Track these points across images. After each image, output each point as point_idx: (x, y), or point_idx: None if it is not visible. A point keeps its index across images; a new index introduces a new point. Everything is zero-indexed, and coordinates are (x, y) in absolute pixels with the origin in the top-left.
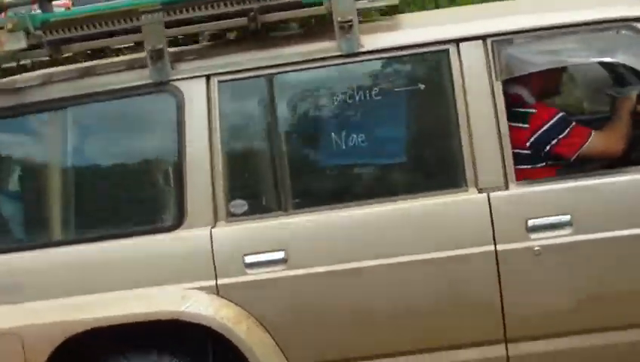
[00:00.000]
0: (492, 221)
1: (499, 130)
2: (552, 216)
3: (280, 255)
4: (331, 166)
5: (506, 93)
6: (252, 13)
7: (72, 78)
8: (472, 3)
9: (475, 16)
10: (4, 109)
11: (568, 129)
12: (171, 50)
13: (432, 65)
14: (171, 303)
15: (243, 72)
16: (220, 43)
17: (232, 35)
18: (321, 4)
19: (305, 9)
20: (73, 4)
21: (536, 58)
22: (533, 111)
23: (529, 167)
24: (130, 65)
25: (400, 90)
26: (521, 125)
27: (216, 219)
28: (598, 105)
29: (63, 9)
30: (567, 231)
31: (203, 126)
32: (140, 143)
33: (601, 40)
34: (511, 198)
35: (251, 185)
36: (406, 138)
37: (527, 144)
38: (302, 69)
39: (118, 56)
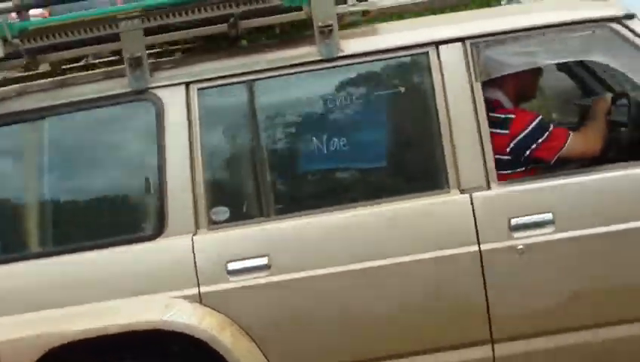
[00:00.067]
0: (475, 221)
1: (479, 131)
2: (534, 214)
3: (263, 261)
4: (313, 171)
5: (484, 99)
6: (232, 19)
7: (49, 89)
8: None
9: (453, 20)
10: None
11: (547, 132)
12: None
13: (412, 68)
14: (153, 313)
15: (222, 79)
16: (199, 50)
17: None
18: (300, 9)
19: (285, 14)
20: (50, 15)
21: (515, 59)
22: (512, 116)
23: (509, 171)
24: (109, 75)
25: (381, 93)
26: (500, 131)
27: (197, 227)
28: (566, 117)
29: (40, 18)
30: (549, 229)
31: (183, 133)
32: (119, 152)
33: (577, 40)
34: (493, 198)
35: (232, 191)
36: (387, 141)
37: (507, 150)
38: (282, 75)
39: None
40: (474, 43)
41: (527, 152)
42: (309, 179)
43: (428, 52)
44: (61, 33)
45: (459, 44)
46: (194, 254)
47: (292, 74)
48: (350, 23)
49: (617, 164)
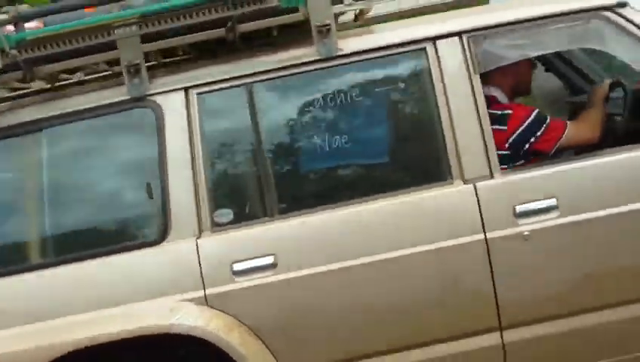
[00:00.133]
0: (480, 210)
1: (480, 121)
2: (538, 201)
3: (269, 260)
4: (316, 169)
5: None
6: (230, 23)
7: (47, 100)
8: None
9: (449, 17)
10: None
11: (545, 125)
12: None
13: (410, 64)
14: (160, 317)
15: (221, 83)
16: (197, 56)
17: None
18: (297, 10)
19: (282, 16)
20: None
21: (512, 51)
22: (510, 112)
23: (509, 166)
24: (107, 84)
25: (380, 90)
26: (498, 127)
27: (201, 230)
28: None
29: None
30: (553, 214)
31: (184, 138)
32: (120, 160)
33: (572, 30)
34: (497, 187)
35: (235, 193)
36: (389, 137)
37: (506, 145)
38: (281, 76)
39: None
40: (471, 37)
41: (526, 146)
42: (311, 177)
43: (425, 47)
44: (58, 42)
45: (456, 38)
46: (199, 257)
47: (291, 75)
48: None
49: (618, 147)
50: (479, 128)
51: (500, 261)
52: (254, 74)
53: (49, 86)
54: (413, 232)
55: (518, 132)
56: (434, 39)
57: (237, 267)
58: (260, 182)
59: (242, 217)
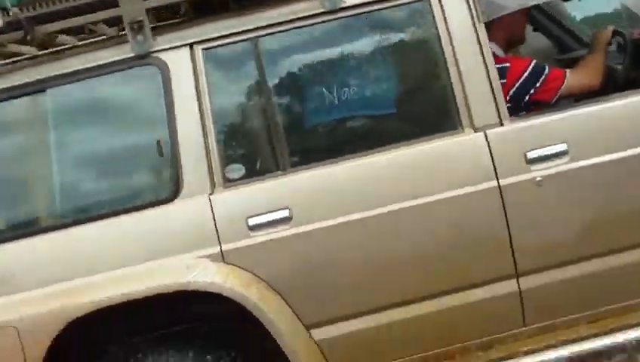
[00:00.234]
0: (492, 157)
1: (487, 69)
2: (548, 146)
3: (284, 213)
4: (326, 121)
5: None
6: None
7: (50, 60)
8: None
9: None
10: None
11: (544, 75)
12: None
13: (415, 15)
14: (177, 275)
15: (227, 38)
16: (201, 11)
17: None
18: None
19: None
20: None
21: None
22: (507, 65)
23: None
24: (111, 42)
25: (386, 41)
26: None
27: (213, 186)
28: None
29: None
30: (564, 159)
31: (191, 95)
32: (128, 118)
33: None
34: (507, 134)
35: (246, 148)
36: (398, 87)
37: (507, 98)
38: (286, 30)
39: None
40: None
41: (527, 97)
42: (322, 130)
43: None
44: None
45: None
46: (213, 213)
47: (296, 28)
48: None
49: (626, 91)
50: (486, 76)
51: (514, 207)
52: (259, 28)
53: (45, 51)
54: (426, 181)
55: (517, 84)
56: None
57: (252, 222)
58: (270, 136)
59: (254, 172)
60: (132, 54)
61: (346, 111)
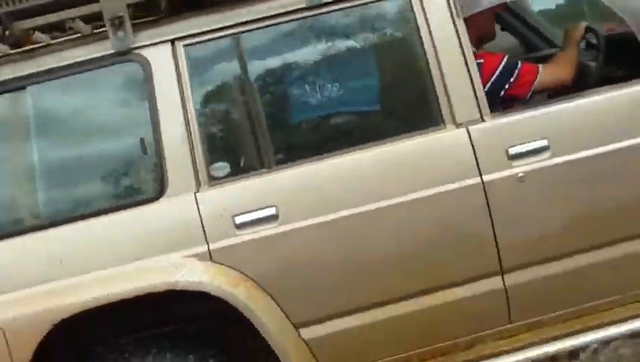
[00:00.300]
0: (475, 153)
1: (467, 65)
2: (529, 142)
3: (271, 211)
4: (310, 118)
5: None
6: None
7: (28, 57)
8: None
9: None
10: None
11: (517, 70)
12: None
13: (395, 10)
14: (165, 274)
15: (208, 34)
16: (182, 8)
17: None
18: None
19: None
20: None
21: None
22: (480, 61)
23: None
24: (92, 39)
25: (367, 37)
26: None
27: (199, 185)
28: None
29: None
30: (545, 155)
31: (174, 92)
32: (110, 116)
33: None
34: (489, 129)
35: (230, 146)
36: (380, 83)
37: None
38: (268, 26)
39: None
40: None
41: (502, 92)
42: (306, 127)
43: None
44: None
45: None
46: (199, 211)
47: (278, 24)
48: None
49: (605, 86)
50: (467, 71)
51: (498, 203)
52: (241, 24)
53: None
54: (410, 178)
55: (491, 80)
56: None
57: (239, 220)
58: (255, 134)
59: (239, 170)
60: (112, 51)
61: (330, 108)
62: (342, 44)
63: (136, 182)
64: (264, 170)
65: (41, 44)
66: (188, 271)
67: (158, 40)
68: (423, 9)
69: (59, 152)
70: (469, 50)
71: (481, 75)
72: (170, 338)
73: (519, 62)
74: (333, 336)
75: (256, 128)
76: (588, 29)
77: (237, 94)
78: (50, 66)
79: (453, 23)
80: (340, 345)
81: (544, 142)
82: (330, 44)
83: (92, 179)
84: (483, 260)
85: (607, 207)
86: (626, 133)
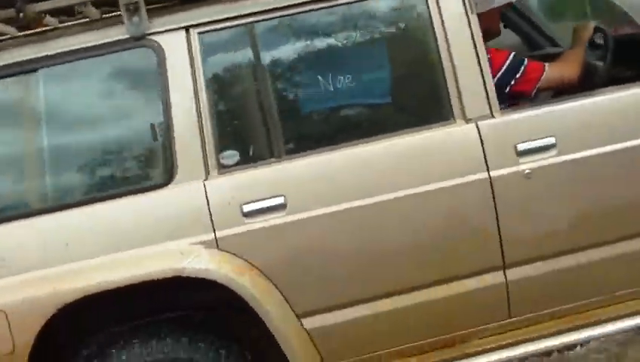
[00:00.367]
0: (483, 149)
1: (479, 61)
2: (537, 139)
3: (279, 200)
4: (321, 109)
5: None
6: None
7: (42, 40)
8: None
9: None
10: None
11: (523, 67)
12: None
13: (409, 4)
14: (171, 261)
15: (222, 22)
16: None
17: None
18: None
19: None
20: None
21: None
22: (488, 57)
23: None
24: (103, 23)
25: (380, 30)
26: None
27: (207, 172)
28: None
29: None
30: (552, 152)
31: (187, 79)
32: (122, 101)
33: None
34: (498, 125)
35: (241, 135)
36: (392, 77)
37: None
38: (282, 15)
39: None
40: None
41: (507, 89)
42: (317, 117)
43: None
44: None
45: None
46: (207, 199)
47: (293, 14)
48: None
49: (613, 86)
50: (478, 67)
51: (504, 199)
52: (256, 13)
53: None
54: (419, 171)
55: (498, 76)
56: None
57: (247, 208)
58: (266, 123)
59: (249, 158)
60: (127, 36)
61: (341, 99)
62: (355, 36)
63: (146, 168)
64: (273, 159)
65: (52, 27)
66: (194, 258)
67: (172, 27)
68: (437, 3)
69: (68, 136)
70: (481, 46)
71: None
72: (178, 325)
73: (526, 60)
74: (337, 326)
75: (267, 117)
76: (597, 29)
77: (249, 83)
78: (62, 50)
79: (467, 18)
80: (342, 335)
81: (552, 140)
82: (343, 35)
83: (101, 164)
84: (487, 254)
85: (611, 205)
86: (633, 134)
